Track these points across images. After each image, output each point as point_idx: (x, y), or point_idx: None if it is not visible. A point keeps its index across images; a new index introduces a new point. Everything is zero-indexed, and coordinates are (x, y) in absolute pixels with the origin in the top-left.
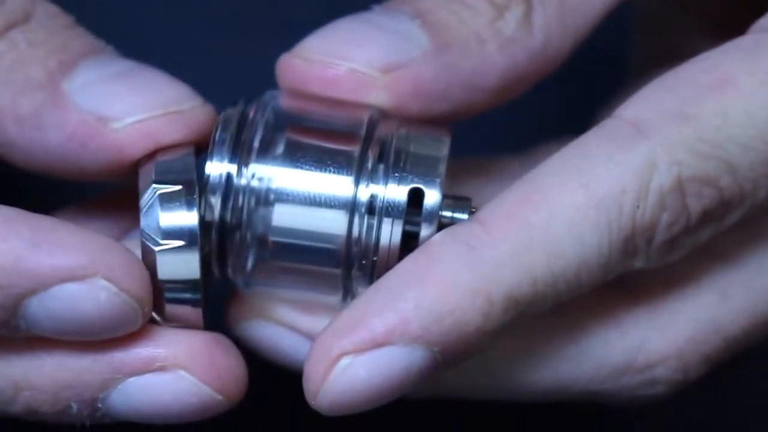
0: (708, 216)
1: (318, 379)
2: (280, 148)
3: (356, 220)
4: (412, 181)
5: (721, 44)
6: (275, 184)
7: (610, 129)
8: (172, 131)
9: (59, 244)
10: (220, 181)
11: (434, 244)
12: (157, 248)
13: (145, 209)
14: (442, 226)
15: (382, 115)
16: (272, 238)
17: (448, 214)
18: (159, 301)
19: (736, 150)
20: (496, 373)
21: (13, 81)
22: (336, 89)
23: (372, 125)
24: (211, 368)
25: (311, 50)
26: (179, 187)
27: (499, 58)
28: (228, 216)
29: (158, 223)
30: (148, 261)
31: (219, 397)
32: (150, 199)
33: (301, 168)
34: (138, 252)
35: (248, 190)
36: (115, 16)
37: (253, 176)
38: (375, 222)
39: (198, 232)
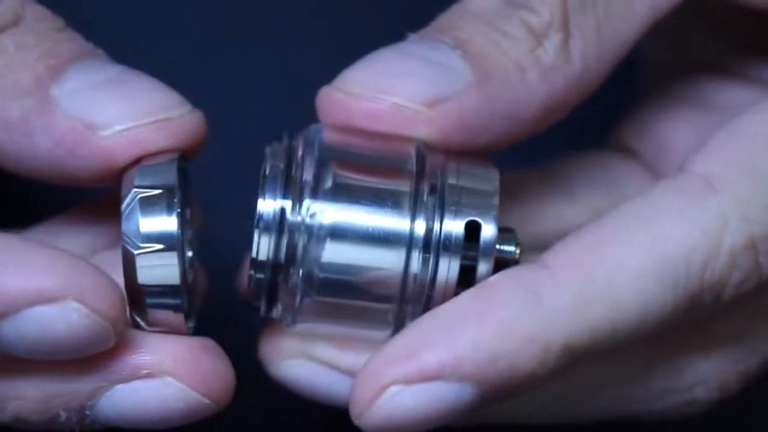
0: None
1: (365, 401)
2: (329, 184)
3: (413, 255)
4: (468, 215)
5: (736, 55)
6: (329, 220)
7: (680, 182)
8: (160, 139)
9: (28, 266)
10: (273, 218)
11: (496, 283)
12: (136, 252)
13: (126, 213)
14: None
15: (427, 147)
16: (327, 275)
17: (497, 247)
18: (142, 306)
19: None
20: (545, 405)
21: (2, 87)
22: (380, 124)
23: (421, 159)
24: (197, 373)
25: (353, 84)
26: (160, 191)
27: (539, 87)
28: (282, 253)
29: (138, 227)
30: (129, 265)
31: (206, 401)
32: (131, 202)
33: (356, 204)
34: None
35: (302, 227)
36: (114, 15)
37: (307, 212)
38: (432, 257)
39: (178, 237)
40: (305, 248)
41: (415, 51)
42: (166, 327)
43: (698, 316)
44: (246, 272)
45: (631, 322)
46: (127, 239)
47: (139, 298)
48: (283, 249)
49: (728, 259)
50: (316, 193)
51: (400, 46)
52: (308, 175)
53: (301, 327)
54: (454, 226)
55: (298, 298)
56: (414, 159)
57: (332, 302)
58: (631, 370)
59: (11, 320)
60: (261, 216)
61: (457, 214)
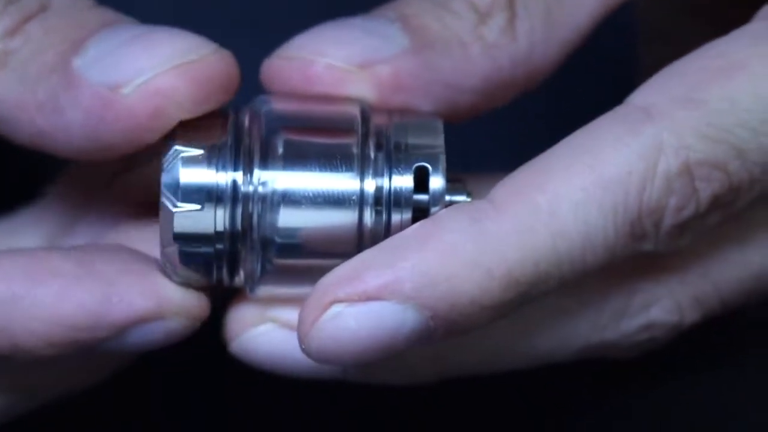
0: (717, 201)
1: (308, 322)
2: (279, 151)
3: (366, 212)
4: (416, 168)
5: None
6: (281, 187)
7: (619, 114)
8: (182, 85)
9: (129, 295)
10: (226, 190)
11: (441, 215)
12: (174, 209)
13: (165, 167)
14: None
15: (372, 108)
16: (283, 240)
17: (447, 198)
18: (174, 259)
19: (745, 135)
20: (496, 343)
21: (30, 72)
22: (316, 86)
23: (366, 118)
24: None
25: (291, 49)
26: (201, 152)
27: (481, 61)
28: (237, 223)
29: (178, 181)
30: (166, 220)
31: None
32: (171, 158)
33: (305, 168)
34: None
35: (255, 196)
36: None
37: (258, 181)
38: (384, 212)
39: (216, 194)
40: (260, 216)
41: (355, 22)
42: (194, 282)
43: (643, 249)
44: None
45: (575, 249)
46: (165, 194)
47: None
48: (239, 219)
49: (664, 183)
50: (266, 162)
51: (343, 19)
52: (256, 145)
53: (263, 291)
54: (403, 180)
55: (258, 265)
56: (359, 119)
57: (292, 264)
58: (581, 299)
59: (116, 339)
60: (213, 188)
61: (405, 167)
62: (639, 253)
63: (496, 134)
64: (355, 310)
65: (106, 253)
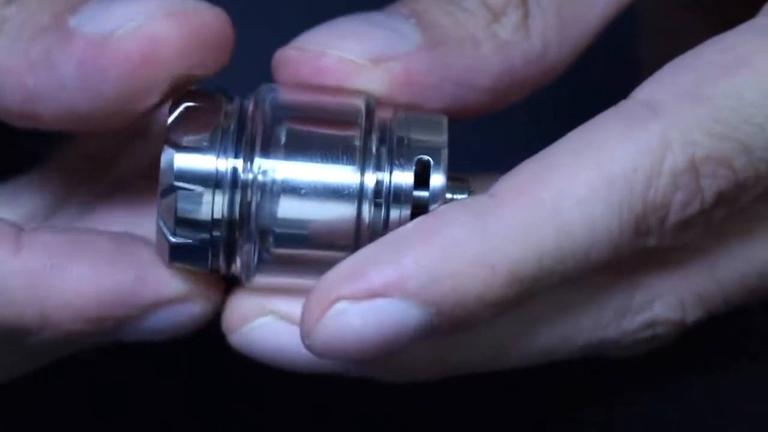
0: (722, 197)
1: (312, 319)
2: (282, 141)
3: (365, 206)
4: (417, 164)
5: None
6: (281, 177)
7: (624, 109)
8: (174, 32)
9: (161, 276)
10: (226, 177)
11: (443, 210)
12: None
13: (165, 150)
14: None
15: (378, 102)
16: (281, 230)
17: (449, 195)
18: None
19: (751, 131)
20: (499, 340)
21: (23, 36)
22: (327, 78)
23: (370, 112)
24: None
25: (304, 42)
26: (202, 136)
27: (493, 59)
28: (236, 211)
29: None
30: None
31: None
32: (172, 141)
33: (307, 159)
34: None
35: (255, 185)
36: None
37: (258, 170)
38: (383, 207)
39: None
40: (259, 205)
41: (370, 17)
42: (190, 269)
43: (647, 244)
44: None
45: (579, 246)
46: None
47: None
48: (237, 206)
49: (670, 179)
50: (267, 151)
51: (358, 15)
52: (258, 133)
53: (260, 281)
54: (403, 176)
55: (255, 254)
56: (363, 112)
57: (289, 254)
58: (584, 295)
59: (145, 319)
60: (214, 174)
61: (406, 162)
62: (643, 248)
63: (495, 129)
64: (360, 308)
65: (136, 238)
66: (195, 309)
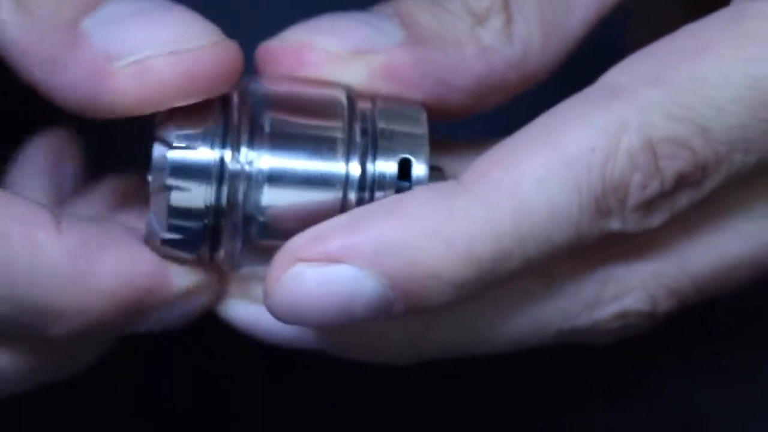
0: (683, 179)
1: (272, 279)
2: (264, 131)
3: (350, 195)
4: (400, 154)
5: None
6: (267, 166)
7: (586, 93)
8: (172, 73)
9: (181, 268)
10: (212, 167)
11: (413, 191)
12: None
13: (156, 143)
14: None
15: (357, 93)
16: (266, 219)
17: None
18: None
19: (710, 113)
20: (470, 325)
21: (41, 22)
22: (308, 70)
23: (351, 103)
24: None
25: (288, 35)
26: (191, 129)
27: (475, 62)
28: (222, 200)
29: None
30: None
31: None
32: (162, 134)
33: (292, 149)
34: None
35: (241, 174)
36: None
37: (245, 159)
38: (367, 196)
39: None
40: (245, 194)
41: (353, 15)
42: (176, 257)
43: (611, 228)
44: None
45: (539, 227)
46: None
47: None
48: (224, 196)
49: (627, 158)
50: (252, 141)
51: (343, 12)
52: (244, 124)
53: (243, 269)
54: (387, 166)
55: (239, 243)
56: (345, 103)
57: (273, 244)
58: (552, 283)
59: (163, 310)
60: (200, 165)
61: (389, 153)
62: (608, 233)
63: (486, 121)
64: (315, 271)
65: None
66: (204, 300)
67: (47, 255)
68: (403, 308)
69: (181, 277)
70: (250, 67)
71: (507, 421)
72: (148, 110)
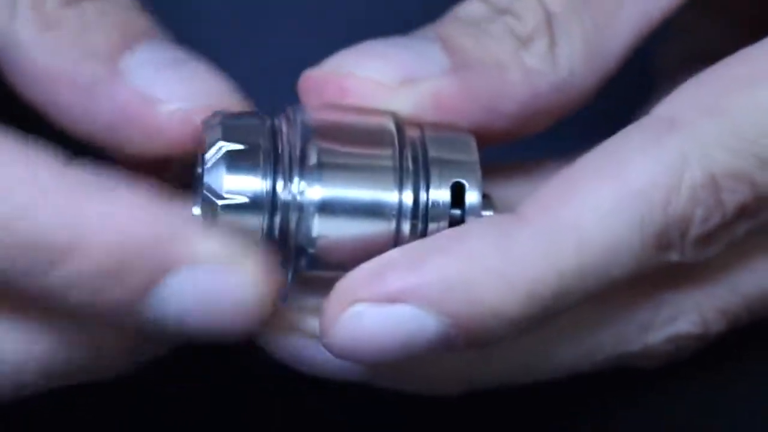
0: (744, 211)
1: (330, 318)
2: (314, 160)
3: (404, 224)
4: (452, 182)
5: (741, 41)
6: (318, 196)
7: (644, 125)
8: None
9: (195, 233)
10: (267, 197)
11: (469, 225)
12: (219, 201)
13: (209, 165)
14: None
15: (404, 120)
16: (317, 251)
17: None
18: None
19: None
20: (521, 356)
21: (78, 47)
22: (352, 99)
23: (401, 130)
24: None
25: (332, 64)
26: (247, 147)
27: (520, 86)
28: (274, 231)
29: (222, 180)
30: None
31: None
32: (215, 155)
33: (343, 178)
34: None
35: (293, 204)
36: None
37: (297, 189)
38: (419, 225)
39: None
40: (297, 225)
41: (397, 41)
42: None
43: (670, 259)
44: None
45: (600, 263)
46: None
47: None
48: (277, 227)
49: (689, 194)
50: (303, 170)
51: (385, 38)
52: (294, 154)
53: (295, 301)
54: (439, 194)
55: (289, 275)
56: (394, 131)
57: (323, 276)
58: (607, 312)
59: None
60: (252, 195)
61: (441, 181)
62: (666, 264)
63: None
64: (376, 312)
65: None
66: (232, 280)
67: (48, 191)
68: (463, 344)
69: (205, 244)
70: (268, 90)
71: (507, 421)
72: (179, 153)
